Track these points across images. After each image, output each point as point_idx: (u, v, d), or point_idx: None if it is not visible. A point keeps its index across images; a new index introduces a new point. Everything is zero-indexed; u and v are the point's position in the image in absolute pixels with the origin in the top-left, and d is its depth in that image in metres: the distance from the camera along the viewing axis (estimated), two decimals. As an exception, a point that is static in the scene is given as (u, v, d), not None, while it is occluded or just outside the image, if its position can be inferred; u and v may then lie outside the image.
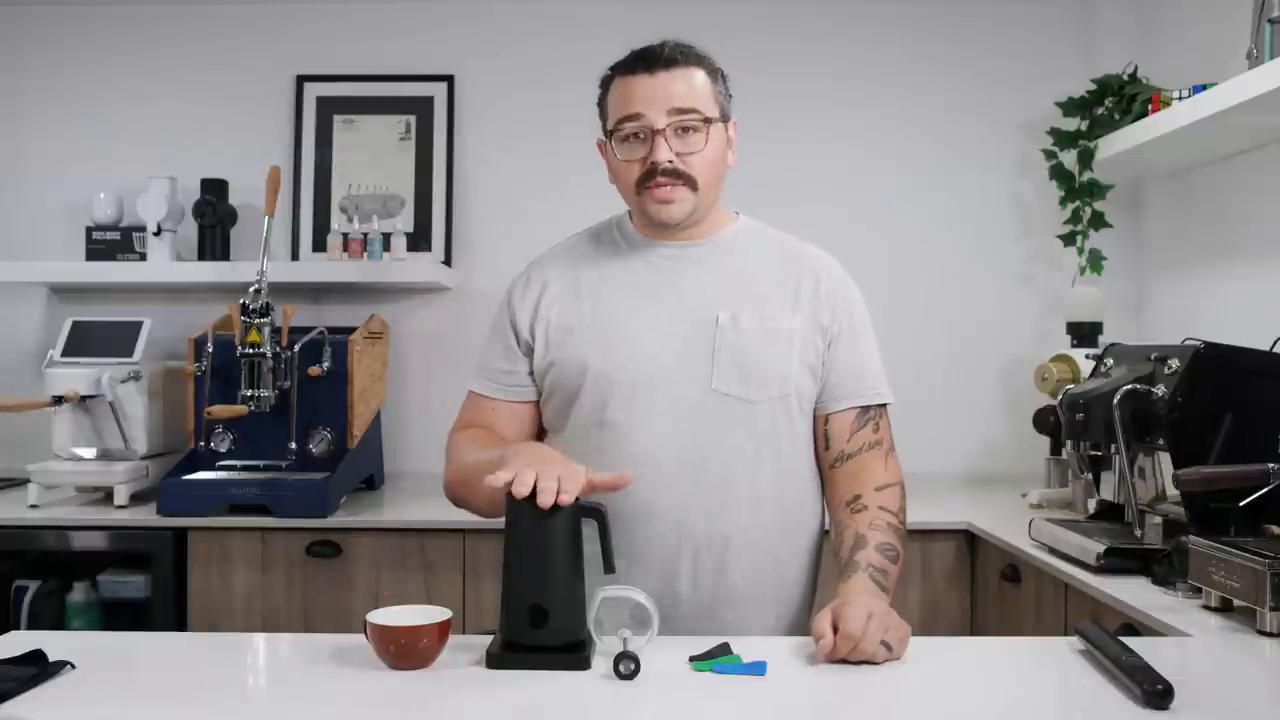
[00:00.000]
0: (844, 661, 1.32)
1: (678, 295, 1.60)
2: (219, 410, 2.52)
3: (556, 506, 1.31)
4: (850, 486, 1.60)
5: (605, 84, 1.63)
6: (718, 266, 1.63)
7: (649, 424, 1.55)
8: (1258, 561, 1.49)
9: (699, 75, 1.58)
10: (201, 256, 3.06)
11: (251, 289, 2.56)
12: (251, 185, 3.00)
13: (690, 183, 1.56)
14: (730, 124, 1.64)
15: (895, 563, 1.52)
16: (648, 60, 1.56)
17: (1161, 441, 1.89)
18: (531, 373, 1.65)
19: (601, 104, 1.63)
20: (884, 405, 1.65)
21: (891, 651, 1.33)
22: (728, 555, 1.56)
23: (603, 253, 1.67)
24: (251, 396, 2.56)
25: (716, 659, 1.32)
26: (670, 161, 1.54)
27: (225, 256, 3.07)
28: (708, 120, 1.57)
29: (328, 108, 3.17)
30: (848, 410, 1.62)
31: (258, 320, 2.55)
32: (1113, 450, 1.97)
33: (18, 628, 2.50)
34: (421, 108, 3.16)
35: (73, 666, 1.29)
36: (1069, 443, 2.12)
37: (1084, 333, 2.76)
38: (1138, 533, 1.93)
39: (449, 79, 3.16)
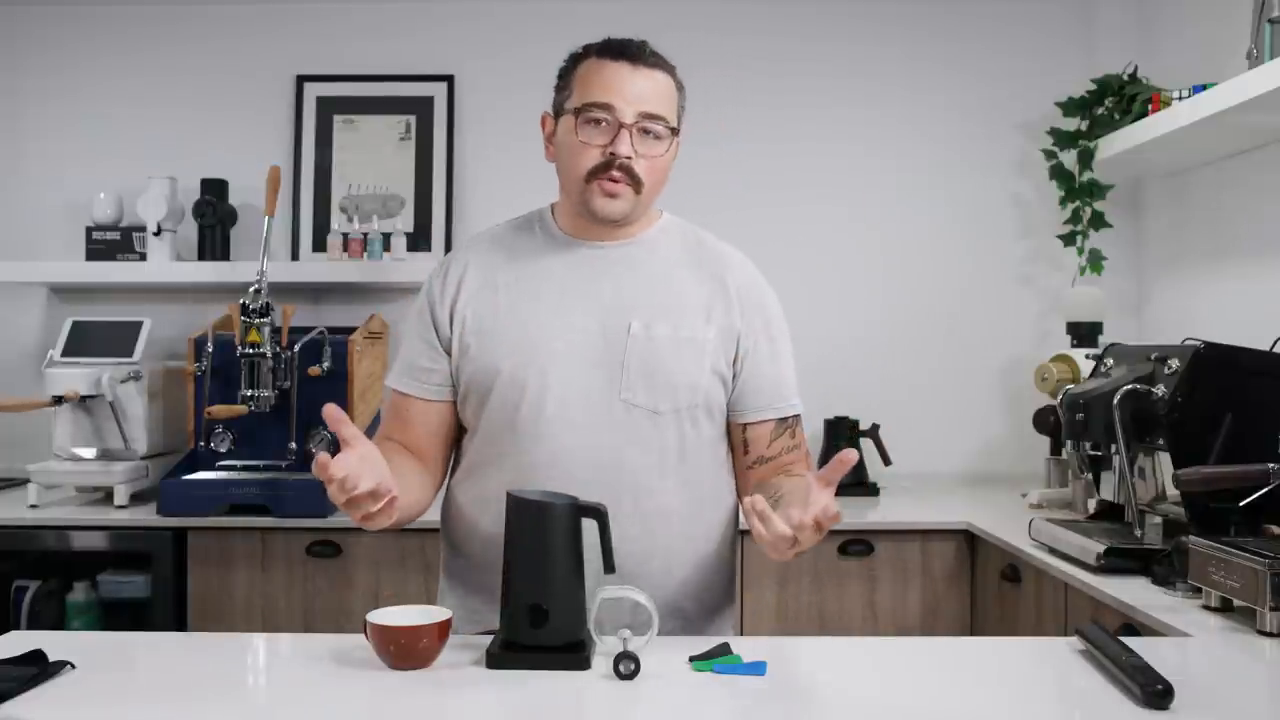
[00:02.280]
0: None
1: (593, 299, 1.58)
2: (219, 410, 2.52)
3: (551, 508, 1.33)
4: (772, 477, 1.60)
5: (576, 60, 1.60)
6: (636, 269, 1.60)
7: (557, 431, 1.53)
8: (1258, 561, 1.49)
9: (671, 84, 1.58)
10: (201, 256, 3.06)
11: (251, 289, 2.56)
12: (251, 185, 3.00)
13: (638, 185, 1.55)
14: (678, 139, 1.61)
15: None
16: (629, 52, 1.55)
17: (1161, 441, 1.89)
18: (451, 371, 1.63)
19: (565, 77, 1.60)
20: (798, 414, 1.65)
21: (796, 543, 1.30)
22: (635, 563, 1.52)
23: (522, 249, 1.64)
24: (251, 396, 2.56)
25: (716, 659, 1.32)
26: (628, 158, 1.53)
27: (225, 256, 3.07)
28: (672, 131, 1.56)
29: (328, 108, 3.17)
30: (766, 421, 1.62)
31: (258, 320, 2.55)
32: (1113, 450, 1.97)
33: (18, 628, 2.50)
34: (421, 108, 3.16)
35: (73, 666, 1.29)
36: (1069, 443, 2.12)
37: (1084, 333, 2.76)
38: (1138, 533, 1.93)
39: (449, 79, 3.16)
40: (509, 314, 1.59)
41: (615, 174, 1.53)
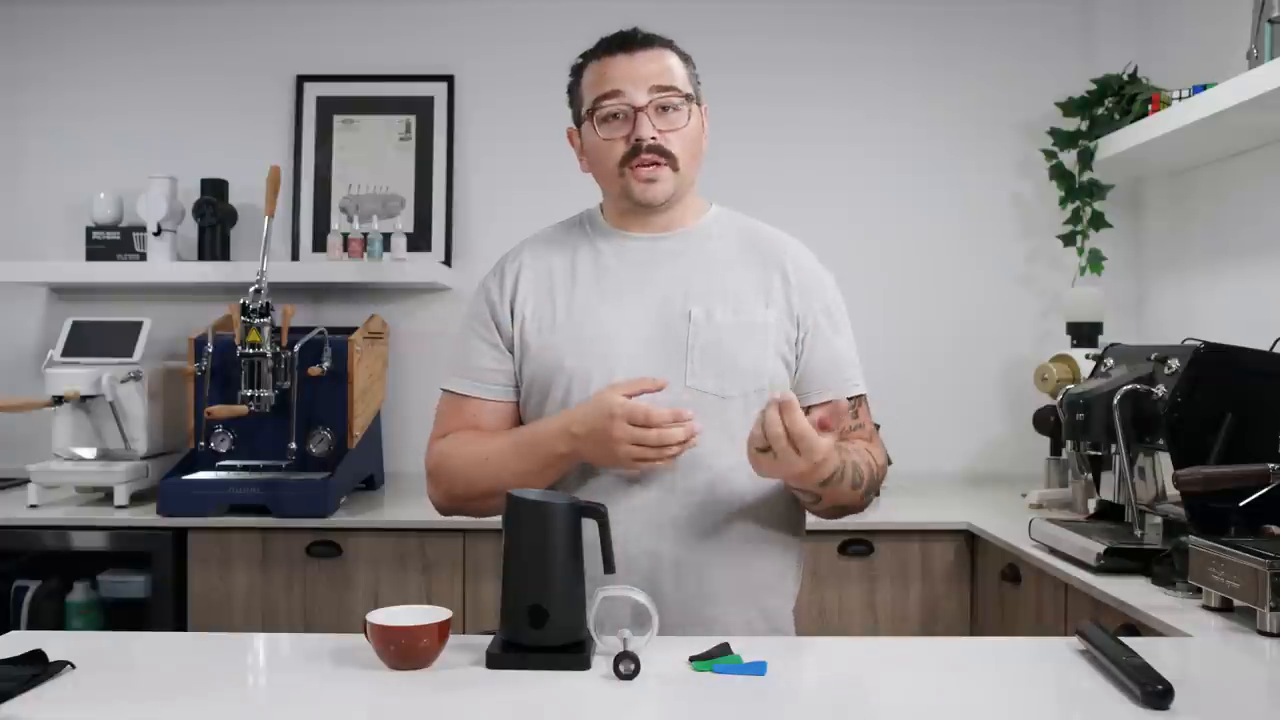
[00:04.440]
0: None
1: (651, 291, 1.59)
2: (219, 410, 2.52)
3: (551, 507, 1.34)
4: None
5: (577, 71, 1.63)
6: (691, 259, 1.62)
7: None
8: (1258, 561, 1.49)
9: (673, 57, 1.60)
10: (201, 256, 3.06)
11: (251, 289, 2.56)
12: (251, 185, 3.00)
13: (672, 161, 1.57)
14: (703, 109, 1.64)
15: (854, 486, 1.53)
16: (623, 42, 1.57)
17: (1161, 441, 1.89)
18: (514, 370, 1.63)
19: (573, 91, 1.63)
20: (862, 395, 1.65)
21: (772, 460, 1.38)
22: (709, 552, 1.55)
23: (574, 248, 1.65)
24: (251, 396, 2.56)
25: (716, 659, 1.32)
26: (654, 138, 1.54)
27: (225, 256, 3.07)
28: (688, 98, 1.57)
29: (328, 108, 3.17)
30: (828, 402, 1.59)
31: (258, 320, 2.55)
32: (1113, 450, 1.97)
33: (18, 628, 2.50)
34: (421, 108, 3.16)
35: (73, 666, 1.29)
36: (1069, 443, 2.12)
37: (1084, 333, 2.76)
38: (1138, 533, 1.93)
39: (449, 79, 3.16)
40: (567, 311, 1.59)
41: (646, 157, 1.55)
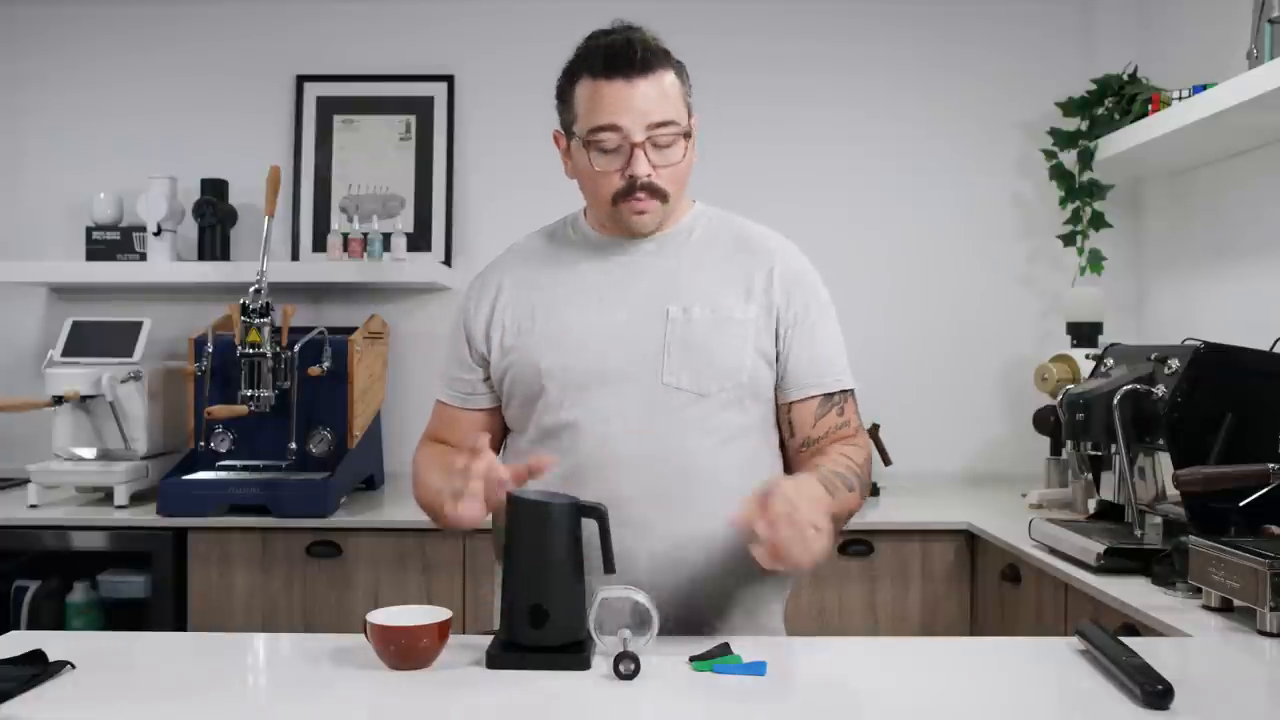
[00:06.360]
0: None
1: (630, 291, 1.59)
2: (219, 410, 2.52)
3: (551, 508, 1.34)
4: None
5: (571, 77, 1.56)
6: (671, 259, 1.61)
7: (605, 422, 1.53)
8: (1258, 561, 1.49)
9: (670, 79, 1.54)
10: (201, 256, 3.06)
11: (251, 289, 2.57)
12: (251, 185, 3.00)
13: (663, 196, 1.55)
14: (693, 120, 1.59)
15: (850, 489, 1.51)
16: (624, 66, 1.51)
17: (1161, 441, 1.89)
18: (488, 379, 1.65)
19: (565, 98, 1.58)
20: (848, 390, 1.62)
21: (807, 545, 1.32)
22: (691, 551, 1.54)
23: (556, 252, 1.66)
24: (251, 396, 2.56)
25: (716, 659, 1.32)
26: (649, 175, 1.53)
27: (225, 256, 3.07)
28: (685, 134, 1.54)
29: (328, 108, 3.17)
30: (809, 399, 1.59)
31: (258, 320, 2.55)
32: (1113, 450, 1.97)
33: (18, 628, 2.50)
34: (421, 108, 3.16)
35: (73, 666, 1.29)
36: (1069, 443, 2.12)
37: (1084, 333, 2.76)
38: (1138, 533, 1.93)
39: (449, 79, 3.16)
40: (547, 314, 1.60)
41: (640, 195, 1.54)
